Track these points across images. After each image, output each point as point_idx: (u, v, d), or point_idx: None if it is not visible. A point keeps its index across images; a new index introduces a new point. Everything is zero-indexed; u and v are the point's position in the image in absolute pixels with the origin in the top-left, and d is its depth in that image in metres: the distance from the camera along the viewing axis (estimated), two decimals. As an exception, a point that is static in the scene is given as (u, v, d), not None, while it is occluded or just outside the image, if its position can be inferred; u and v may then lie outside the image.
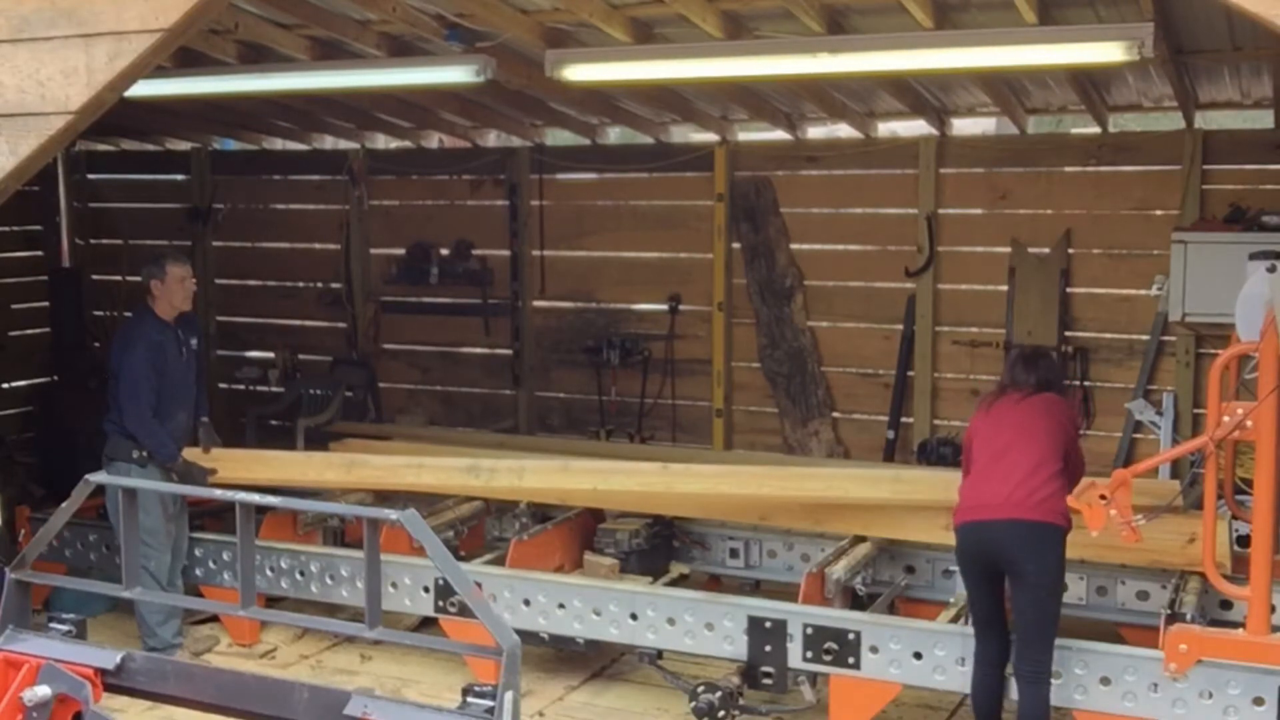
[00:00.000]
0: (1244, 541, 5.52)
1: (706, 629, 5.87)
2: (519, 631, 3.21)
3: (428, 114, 8.75)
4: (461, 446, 8.12)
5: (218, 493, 2.74)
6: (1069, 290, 7.90)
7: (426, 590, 6.42)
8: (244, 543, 2.37)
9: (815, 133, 8.58)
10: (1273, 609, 4.95)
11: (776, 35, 6.12)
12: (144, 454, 6.52)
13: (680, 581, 6.70)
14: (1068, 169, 7.91)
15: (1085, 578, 6.20)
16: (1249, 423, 4.72)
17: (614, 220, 9.11)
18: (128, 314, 10.16)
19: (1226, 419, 4.77)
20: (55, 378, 9.93)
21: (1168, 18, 5.70)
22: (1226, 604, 5.79)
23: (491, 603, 6.15)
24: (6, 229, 9.94)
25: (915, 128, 8.22)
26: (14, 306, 10.09)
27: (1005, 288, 8.00)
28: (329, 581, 6.72)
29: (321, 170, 9.92)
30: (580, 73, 6.37)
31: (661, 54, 6.30)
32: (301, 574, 6.76)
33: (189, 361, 6.75)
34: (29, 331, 10.20)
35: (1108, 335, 7.90)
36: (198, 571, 7.02)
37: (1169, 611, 5.42)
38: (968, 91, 7.55)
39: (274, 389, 9.67)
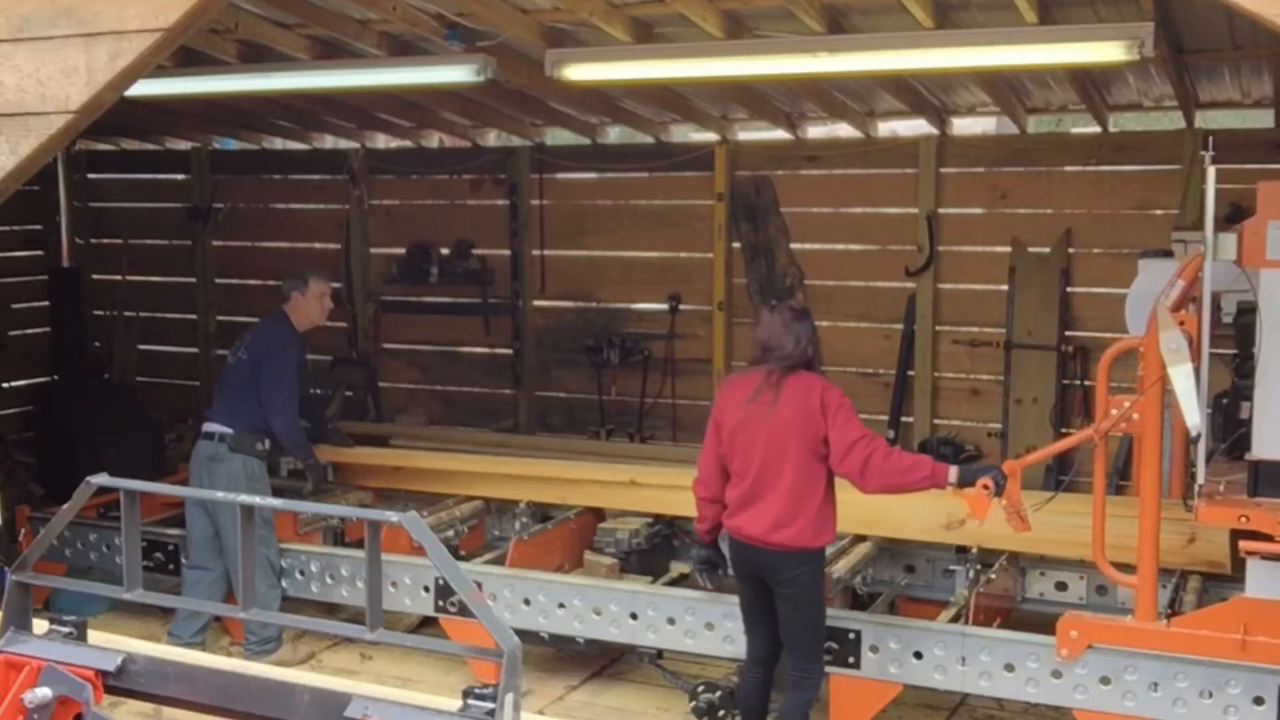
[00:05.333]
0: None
1: (706, 629, 5.88)
2: (519, 631, 3.21)
3: (428, 113, 8.75)
4: (463, 446, 8.12)
5: (219, 494, 2.73)
6: (1069, 290, 7.90)
7: (426, 590, 6.43)
8: (244, 544, 2.37)
9: (815, 132, 8.57)
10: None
11: (776, 35, 6.11)
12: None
13: (680, 581, 6.70)
14: (1068, 168, 7.90)
15: (1085, 577, 6.21)
16: (1135, 415, 4.89)
17: (614, 220, 9.10)
18: (128, 313, 10.23)
19: (1114, 411, 4.92)
20: (55, 378, 9.93)
21: (1168, 17, 5.70)
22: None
23: (491, 603, 6.15)
24: (6, 229, 9.93)
25: (915, 127, 8.21)
26: (14, 306, 10.09)
27: (1005, 287, 8.00)
28: (329, 581, 6.72)
29: (321, 170, 9.91)
30: (580, 72, 6.37)
31: (661, 54, 6.29)
32: (301, 574, 6.77)
33: (232, 365, 7.09)
34: (29, 331, 10.19)
35: (1108, 335, 7.85)
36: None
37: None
38: (968, 91, 7.55)
39: (274, 388, 9.65)
